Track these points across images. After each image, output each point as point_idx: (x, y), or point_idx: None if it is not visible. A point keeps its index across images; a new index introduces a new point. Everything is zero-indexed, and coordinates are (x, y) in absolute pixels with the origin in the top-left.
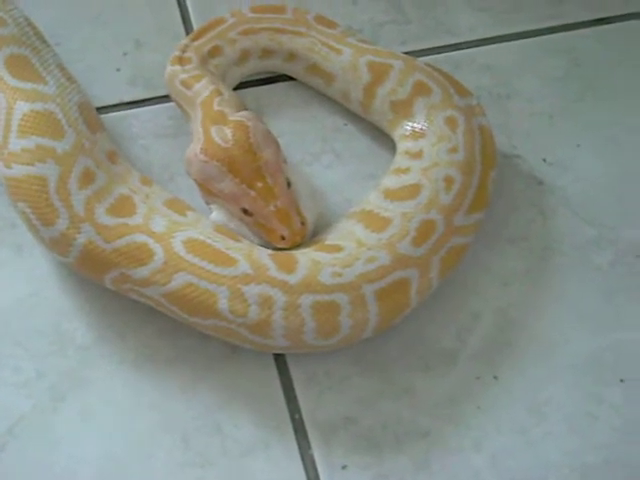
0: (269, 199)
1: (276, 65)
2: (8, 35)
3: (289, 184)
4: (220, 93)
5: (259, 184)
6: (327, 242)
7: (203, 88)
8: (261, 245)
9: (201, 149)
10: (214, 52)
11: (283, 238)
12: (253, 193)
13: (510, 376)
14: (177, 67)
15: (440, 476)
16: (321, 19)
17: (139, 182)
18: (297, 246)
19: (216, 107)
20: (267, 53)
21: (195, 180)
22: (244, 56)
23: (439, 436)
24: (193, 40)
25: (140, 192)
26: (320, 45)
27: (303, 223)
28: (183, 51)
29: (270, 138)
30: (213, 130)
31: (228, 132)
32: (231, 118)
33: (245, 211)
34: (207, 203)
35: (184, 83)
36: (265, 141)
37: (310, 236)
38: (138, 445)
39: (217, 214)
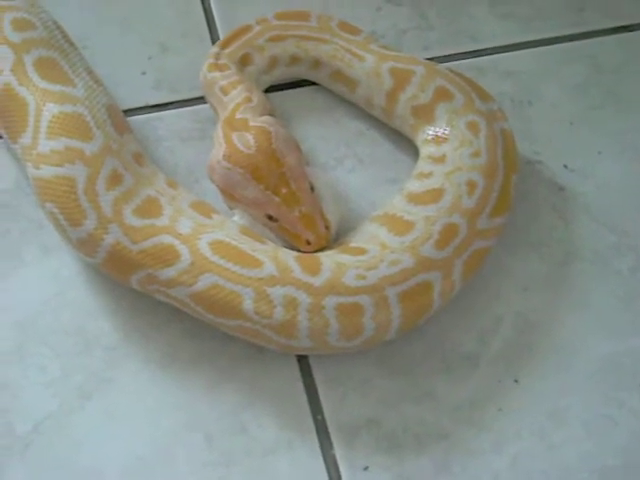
0: (293, 205)
1: (302, 72)
2: (37, 38)
3: (312, 188)
4: (249, 100)
5: (283, 190)
6: (351, 245)
7: (237, 95)
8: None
9: (224, 156)
10: (246, 60)
11: (309, 243)
12: (277, 199)
13: (530, 380)
14: (217, 74)
15: (460, 478)
16: (344, 25)
17: (165, 184)
18: (322, 249)
19: (238, 115)
20: (294, 60)
21: (218, 186)
22: (273, 63)
23: (460, 438)
24: (223, 48)
25: (166, 194)
26: (343, 52)
27: (327, 227)
28: (216, 58)
29: (292, 143)
30: (234, 136)
31: (250, 138)
32: (252, 124)
33: (270, 217)
34: (230, 208)
35: (223, 90)
36: (287, 146)
37: (334, 239)
38: (163, 444)
39: (240, 219)
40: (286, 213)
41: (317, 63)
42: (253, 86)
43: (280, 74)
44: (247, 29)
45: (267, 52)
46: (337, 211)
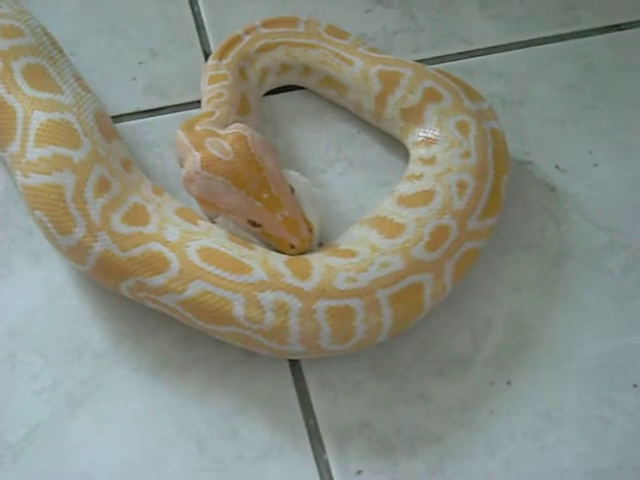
0: (276, 209)
1: (292, 79)
2: (25, 45)
3: (292, 190)
4: (210, 115)
5: (265, 195)
6: (341, 247)
7: (208, 107)
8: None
9: (202, 165)
10: (242, 75)
11: (293, 247)
12: (260, 205)
13: (523, 381)
14: (212, 86)
15: None
16: (332, 30)
17: (151, 191)
18: (306, 252)
19: (197, 127)
20: (284, 69)
21: (197, 198)
22: (264, 74)
23: (453, 441)
24: (220, 59)
25: (152, 201)
26: (332, 56)
27: (310, 230)
28: (216, 69)
29: (268, 146)
30: (208, 143)
31: (226, 144)
32: (225, 131)
33: (252, 223)
34: (211, 218)
35: (209, 100)
36: (264, 149)
37: (317, 239)
38: (154, 451)
39: (223, 226)
40: (269, 218)
41: (307, 70)
42: (231, 103)
43: (271, 83)
44: (237, 39)
45: (258, 64)
46: (317, 212)
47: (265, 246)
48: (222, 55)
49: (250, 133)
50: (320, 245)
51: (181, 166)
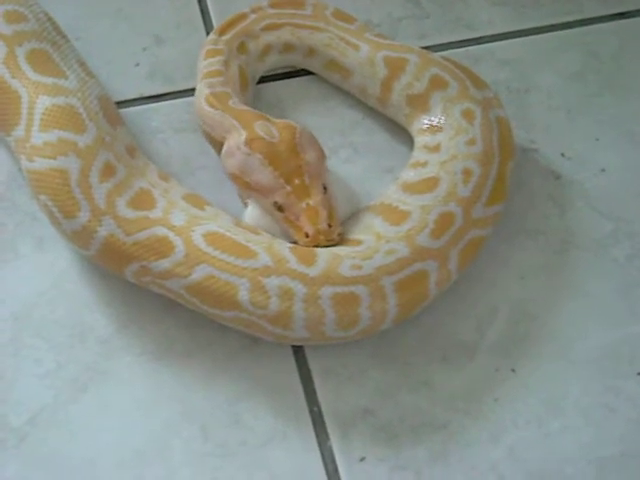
0: (303, 197)
1: (296, 60)
2: (29, 30)
3: (325, 189)
4: (230, 97)
5: (296, 181)
6: (346, 236)
7: (207, 86)
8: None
9: (245, 142)
10: (242, 49)
11: (307, 235)
12: (289, 188)
13: (527, 369)
14: (208, 61)
15: (457, 468)
16: (339, 14)
17: (157, 177)
18: (319, 246)
19: (238, 107)
20: (288, 48)
21: (232, 174)
22: (266, 51)
23: (456, 428)
24: (220, 35)
25: (158, 186)
26: (338, 40)
27: (331, 226)
28: (215, 44)
29: (316, 144)
30: (257, 125)
31: (274, 129)
32: (275, 120)
33: (278, 206)
34: (242, 199)
35: (202, 77)
36: (310, 144)
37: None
38: (157, 436)
39: (252, 209)
40: (293, 203)
41: (311, 51)
42: (233, 82)
43: (274, 61)
44: (242, 17)
45: (261, 40)
46: (346, 215)
47: (289, 239)
48: (223, 31)
49: (301, 127)
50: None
51: (210, 141)
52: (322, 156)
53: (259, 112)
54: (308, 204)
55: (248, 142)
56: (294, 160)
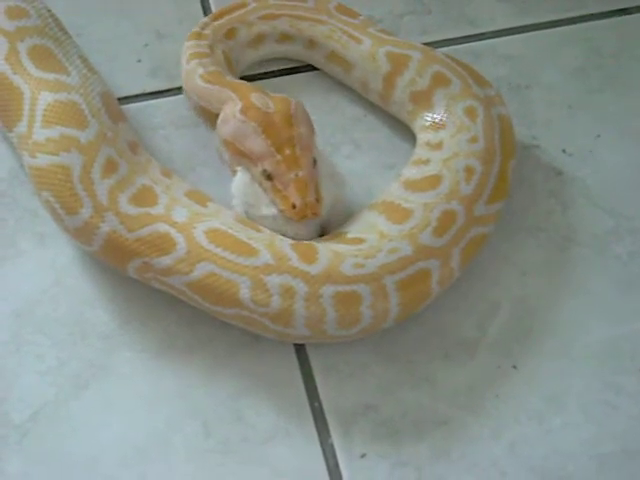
0: (292, 167)
1: (297, 52)
2: (31, 26)
3: (315, 162)
4: (225, 74)
5: (287, 151)
6: (349, 235)
7: (199, 65)
8: (278, 231)
9: (241, 110)
10: (230, 34)
11: (294, 207)
12: (279, 157)
13: (529, 365)
14: (192, 42)
15: (459, 464)
16: (342, 8)
17: (159, 173)
18: (305, 217)
19: (236, 81)
20: (285, 38)
21: (225, 140)
22: (259, 39)
23: (458, 425)
24: (213, 20)
25: (161, 183)
26: (340, 33)
27: (318, 200)
28: (202, 28)
29: (308, 118)
30: (253, 96)
31: (270, 101)
32: (271, 94)
33: (267, 175)
34: (231, 168)
35: (187, 57)
36: (303, 119)
37: (324, 218)
38: (159, 432)
39: (239, 178)
40: (283, 172)
41: (312, 43)
42: (221, 64)
43: (270, 50)
44: (242, 5)
45: (255, 28)
46: (332, 196)
47: (272, 210)
48: (219, 16)
49: (297, 102)
50: (321, 235)
51: (206, 116)
52: (312, 130)
53: (256, 86)
54: (297, 175)
55: (243, 110)
56: (287, 131)
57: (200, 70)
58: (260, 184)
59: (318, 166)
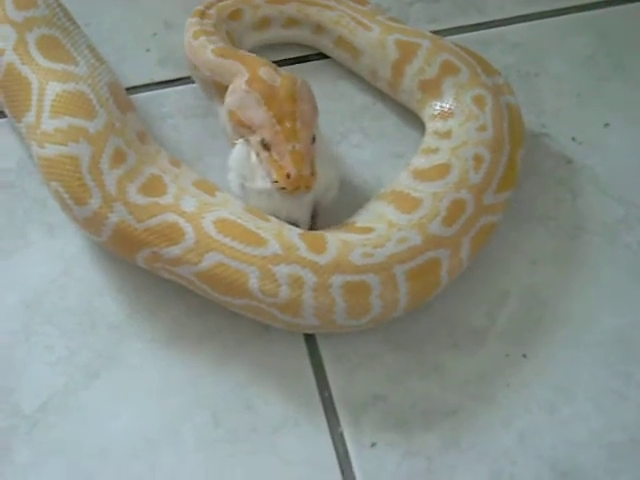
0: (291, 139)
1: (304, 37)
2: (39, 16)
3: (314, 140)
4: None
5: (287, 124)
6: (358, 225)
7: (209, 42)
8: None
9: (246, 82)
10: (234, 15)
11: (288, 176)
12: (278, 128)
13: (539, 354)
14: (196, 19)
15: (468, 454)
16: None
17: (168, 163)
18: (297, 189)
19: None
20: (292, 22)
21: (229, 111)
22: (264, 22)
23: (468, 414)
24: (219, 0)
25: (169, 172)
26: (348, 19)
27: (312, 174)
28: (207, 7)
29: (313, 100)
30: (261, 70)
31: (277, 77)
32: (280, 71)
33: (264, 144)
34: (231, 140)
35: (194, 34)
36: (307, 97)
37: (316, 200)
38: (169, 422)
39: (239, 149)
40: (280, 142)
41: (319, 28)
42: (227, 42)
43: (276, 34)
44: None
45: (261, 11)
46: (327, 177)
47: (266, 182)
48: None
49: (303, 80)
50: (314, 219)
51: (217, 89)
52: (315, 109)
53: (267, 60)
54: (294, 147)
55: (249, 82)
56: (290, 105)
57: (211, 46)
58: (257, 155)
59: (317, 144)
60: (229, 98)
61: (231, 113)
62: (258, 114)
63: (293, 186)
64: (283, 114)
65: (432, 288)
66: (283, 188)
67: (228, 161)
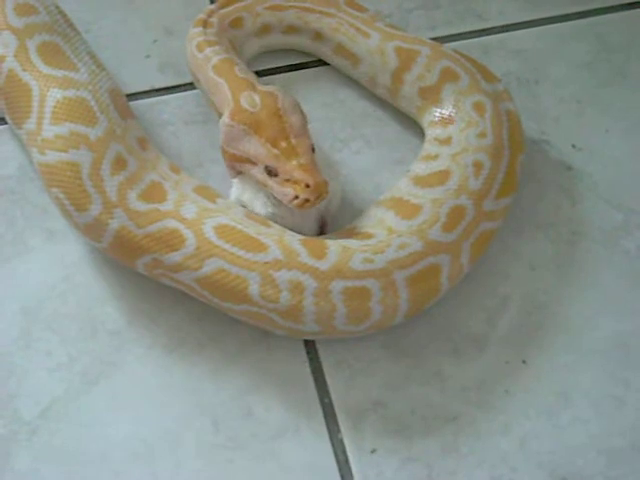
0: (292, 157)
1: (304, 44)
2: (40, 23)
3: (313, 149)
4: (236, 62)
5: (283, 144)
6: (357, 230)
7: (213, 53)
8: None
9: (229, 115)
10: (235, 23)
11: (308, 186)
12: (277, 151)
13: (538, 361)
14: (199, 29)
15: (468, 460)
16: (351, 2)
17: (168, 169)
18: (320, 198)
19: (240, 74)
20: (292, 29)
21: (222, 149)
22: (265, 29)
23: (468, 420)
24: (220, 8)
25: (170, 179)
26: (347, 26)
27: (325, 181)
28: (209, 16)
29: (298, 108)
30: (242, 98)
31: (257, 98)
32: (260, 88)
33: (269, 172)
34: (231, 176)
35: (198, 46)
36: (293, 109)
37: (322, 211)
38: (169, 428)
39: (237, 186)
40: (284, 163)
41: (318, 35)
42: (232, 52)
43: (276, 41)
44: None
45: (261, 19)
46: (331, 186)
47: (281, 210)
48: (225, 4)
49: (283, 93)
50: (323, 228)
51: (215, 110)
52: (304, 118)
53: (250, 79)
54: (299, 162)
55: (231, 115)
56: (277, 124)
57: (214, 59)
58: (265, 185)
59: (317, 153)
60: (220, 137)
61: (224, 152)
62: (251, 145)
63: (316, 193)
64: (275, 136)
65: (432, 294)
66: (306, 201)
67: (230, 196)
